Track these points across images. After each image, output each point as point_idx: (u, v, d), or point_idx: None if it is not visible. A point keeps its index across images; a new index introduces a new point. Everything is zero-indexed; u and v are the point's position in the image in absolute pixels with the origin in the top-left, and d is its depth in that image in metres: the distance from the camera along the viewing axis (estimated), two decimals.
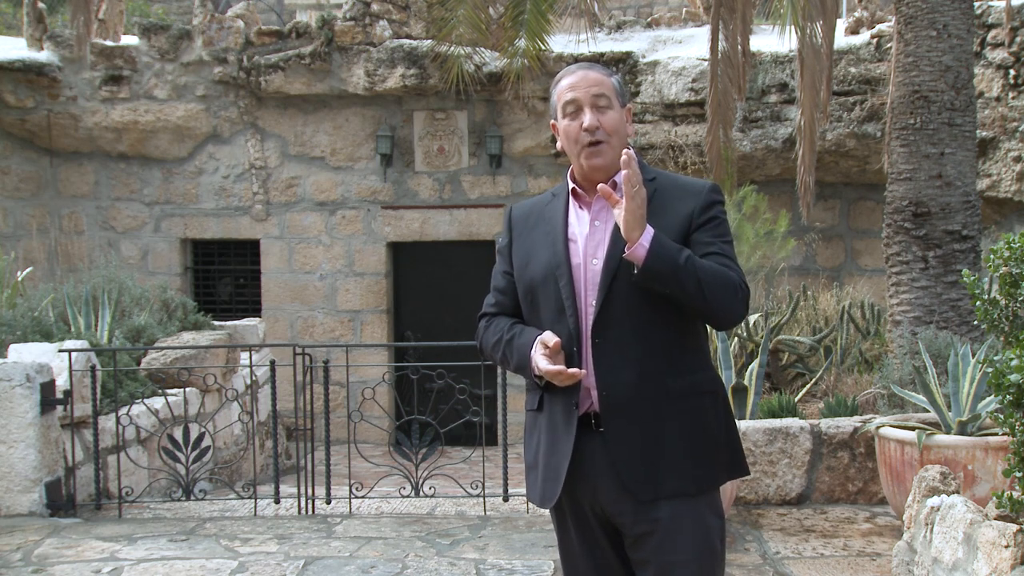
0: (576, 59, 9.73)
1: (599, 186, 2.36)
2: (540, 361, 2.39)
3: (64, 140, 11.04)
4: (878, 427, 5.13)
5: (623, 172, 2.30)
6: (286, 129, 10.99)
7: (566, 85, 2.51)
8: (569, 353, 2.44)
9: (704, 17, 10.80)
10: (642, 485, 2.41)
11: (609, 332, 2.41)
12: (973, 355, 5.21)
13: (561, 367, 2.37)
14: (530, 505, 5.63)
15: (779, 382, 7.34)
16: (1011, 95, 8.74)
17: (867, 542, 4.90)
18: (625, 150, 2.33)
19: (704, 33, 9.24)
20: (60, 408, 5.71)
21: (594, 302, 2.43)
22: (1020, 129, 8.68)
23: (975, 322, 5.25)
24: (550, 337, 2.41)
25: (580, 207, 2.54)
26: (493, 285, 2.66)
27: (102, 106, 10.81)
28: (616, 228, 2.42)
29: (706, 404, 2.48)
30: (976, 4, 7.61)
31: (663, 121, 10.07)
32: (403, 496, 5.84)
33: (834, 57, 8.15)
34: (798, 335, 7.53)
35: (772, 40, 9.15)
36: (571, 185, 2.55)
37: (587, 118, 2.45)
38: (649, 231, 2.32)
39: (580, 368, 2.42)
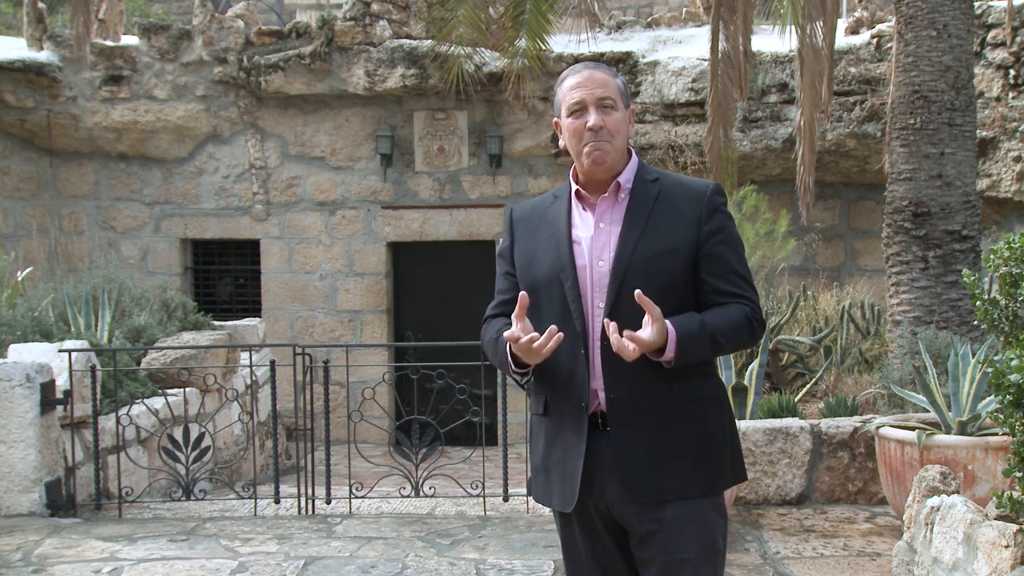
0: (576, 59, 9.73)
1: (611, 331, 2.32)
2: (512, 340, 2.36)
3: (64, 140, 11.04)
4: (878, 427, 5.13)
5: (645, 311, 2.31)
6: (286, 129, 10.99)
7: (571, 84, 2.51)
8: (575, 355, 2.45)
9: (704, 17, 10.80)
10: (646, 488, 2.42)
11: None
12: (973, 355, 5.21)
13: (531, 336, 2.33)
14: (530, 505, 5.64)
15: (779, 382, 7.34)
16: (1011, 95, 8.74)
17: (867, 542, 4.90)
18: (637, 293, 2.32)
19: (704, 33, 9.24)
20: (60, 408, 5.71)
21: (601, 304, 2.44)
22: (1020, 129, 8.68)
23: (975, 322, 5.25)
24: (516, 331, 2.38)
25: (584, 208, 2.54)
26: (496, 289, 2.66)
27: (102, 106, 10.81)
28: (622, 230, 2.45)
29: (710, 408, 2.50)
30: (976, 4, 7.61)
31: (663, 121, 10.07)
32: (403, 496, 5.84)
33: (834, 57, 8.15)
34: (798, 335, 7.53)
35: (772, 40, 9.15)
36: (574, 187, 2.55)
37: (592, 118, 2.45)
38: (672, 340, 2.34)
39: (588, 372, 2.43)
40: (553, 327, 2.35)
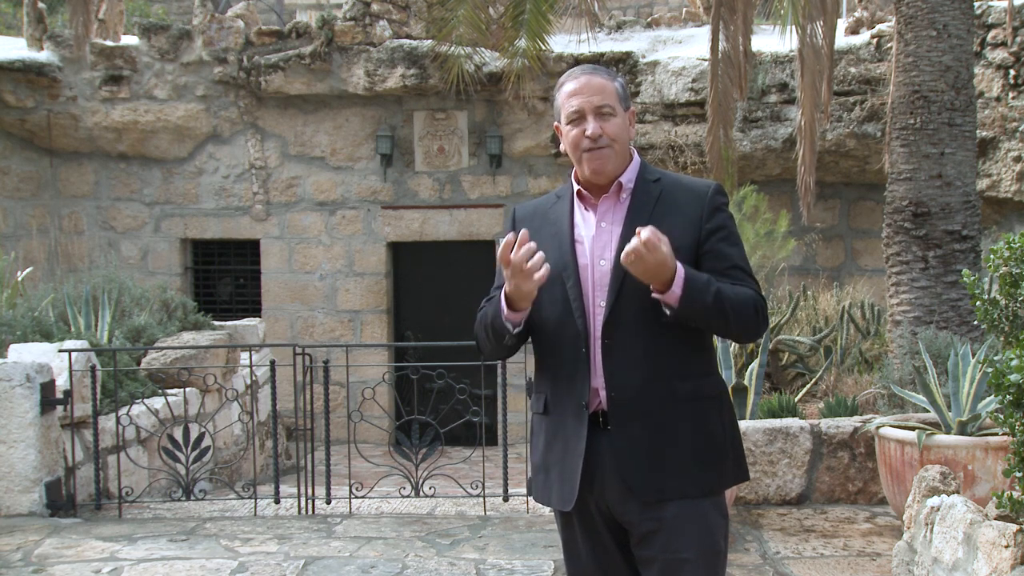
0: (577, 59, 9.74)
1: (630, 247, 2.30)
2: (502, 260, 2.35)
3: (64, 140, 11.04)
4: (878, 427, 5.13)
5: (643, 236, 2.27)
6: (286, 129, 10.99)
7: (569, 91, 2.50)
8: (577, 353, 2.45)
9: (704, 17, 10.80)
10: (646, 487, 2.42)
11: (618, 333, 2.42)
12: (973, 355, 5.21)
13: (528, 246, 2.33)
14: (530, 505, 5.64)
15: (779, 382, 7.34)
16: (1011, 95, 8.74)
17: (867, 542, 4.90)
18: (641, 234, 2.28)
19: (704, 33, 9.24)
20: (60, 408, 5.71)
21: (603, 303, 2.44)
22: (1020, 129, 8.68)
23: (975, 322, 5.25)
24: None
25: (586, 208, 2.55)
26: (495, 285, 2.66)
27: (102, 106, 10.81)
28: (623, 230, 2.45)
29: (711, 408, 2.50)
30: (976, 4, 7.61)
31: (663, 121, 10.07)
32: (403, 496, 5.84)
33: (834, 57, 8.16)
34: (798, 335, 7.53)
35: (772, 40, 9.15)
36: (576, 187, 2.56)
37: (590, 126, 2.45)
38: (680, 275, 2.32)
39: (589, 370, 2.44)
40: (540, 255, 2.34)
